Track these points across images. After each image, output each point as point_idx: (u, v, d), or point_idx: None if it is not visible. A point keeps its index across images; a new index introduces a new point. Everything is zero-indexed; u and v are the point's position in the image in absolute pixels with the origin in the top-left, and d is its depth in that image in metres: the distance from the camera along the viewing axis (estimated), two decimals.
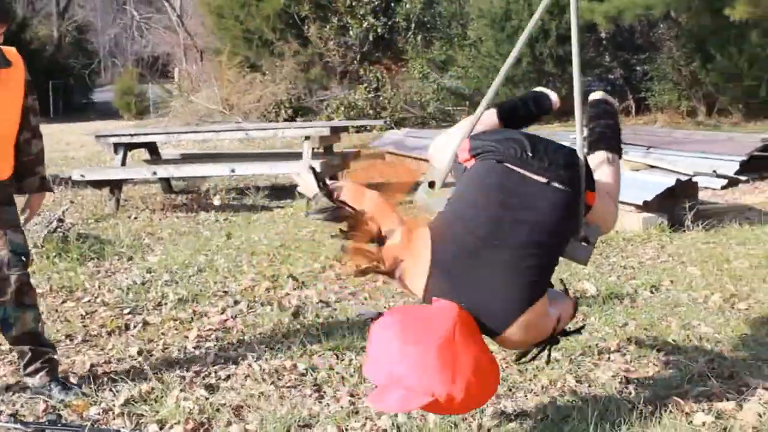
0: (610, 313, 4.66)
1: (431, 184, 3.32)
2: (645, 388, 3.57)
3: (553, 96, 3.66)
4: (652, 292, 5.11)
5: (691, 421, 3.18)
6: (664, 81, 19.07)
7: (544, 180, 2.98)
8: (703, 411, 3.28)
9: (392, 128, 16.45)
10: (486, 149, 3.11)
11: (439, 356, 2.63)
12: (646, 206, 6.94)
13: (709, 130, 14.88)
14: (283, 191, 9.51)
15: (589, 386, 3.61)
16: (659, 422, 3.17)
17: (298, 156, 9.21)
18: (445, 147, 3.35)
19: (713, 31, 17.34)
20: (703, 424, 3.16)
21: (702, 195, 8.23)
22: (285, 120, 19.25)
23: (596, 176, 3.29)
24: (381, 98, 19.62)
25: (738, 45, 17.27)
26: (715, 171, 9.31)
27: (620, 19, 14.80)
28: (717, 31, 17.13)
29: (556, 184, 2.98)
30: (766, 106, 17.58)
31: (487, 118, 3.38)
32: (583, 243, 3.19)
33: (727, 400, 3.38)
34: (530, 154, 3.01)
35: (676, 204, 7.01)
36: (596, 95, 3.82)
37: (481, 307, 2.83)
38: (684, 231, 6.80)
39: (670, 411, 3.26)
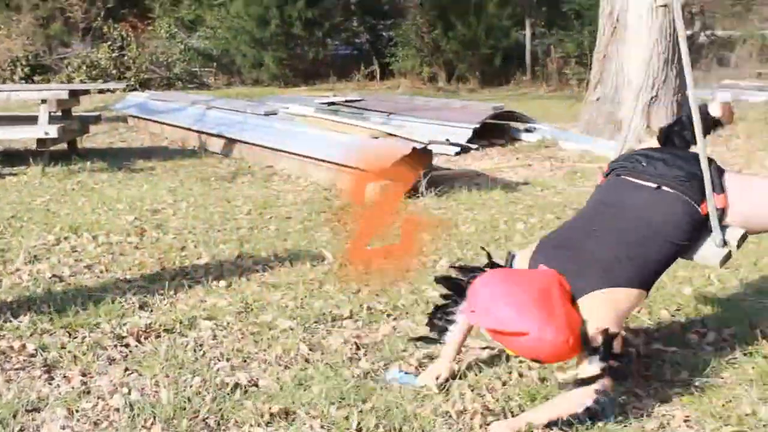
0: (345, 280, 4.83)
1: None
2: (374, 352, 3.76)
3: (714, 109, 3.60)
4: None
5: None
6: (407, 47, 19.73)
7: (654, 185, 3.31)
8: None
9: (136, 89, 15.99)
10: (612, 168, 3.51)
11: (537, 299, 2.91)
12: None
13: (448, 96, 15.58)
14: (17, 157, 9.02)
15: (322, 353, 3.74)
16: (386, 386, 3.36)
17: (33, 120, 8.78)
18: None
19: (455, 0, 18.15)
20: (426, 385, 3.39)
21: (438, 161, 8.66)
22: (21, 78, 18.22)
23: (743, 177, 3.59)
24: (126, 57, 18.98)
25: (477, 15, 18.17)
26: (447, 139, 9.77)
27: None
28: (458, 0, 17.94)
29: (665, 188, 3.29)
30: (499, 74, 18.64)
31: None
32: (723, 246, 3.30)
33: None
34: (645, 165, 3.38)
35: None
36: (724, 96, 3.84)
37: (569, 276, 3.12)
38: (418, 197, 7.13)
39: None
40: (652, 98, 9.90)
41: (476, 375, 3.46)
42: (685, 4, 10.66)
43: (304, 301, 4.47)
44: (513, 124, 10.59)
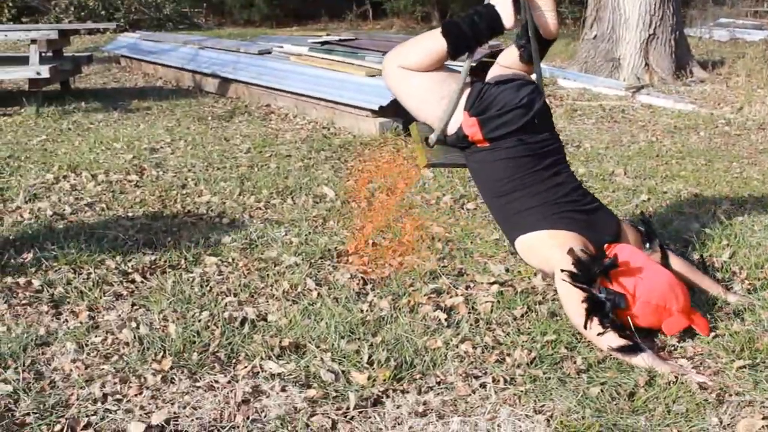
0: (349, 217, 4.80)
1: None
2: (381, 288, 3.74)
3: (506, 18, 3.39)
4: (388, 195, 5.31)
5: (424, 317, 3.38)
6: None
7: None
8: (434, 306, 3.49)
9: (126, 30, 15.76)
10: None
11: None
12: (381, 111, 7.15)
13: None
14: (9, 98, 8.91)
15: (329, 288, 3.72)
16: (395, 320, 3.35)
17: (24, 60, 8.66)
18: None
19: None
20: (436, 319, 3.37)
21: None
22: (9, 20, 17.93)
23: None
24: None
25: None
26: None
27: None
28: None
29: None
30: None
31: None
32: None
33: (457, 295, 3.61)
34: None
35: None
36: None
37: None
38: None
39: (403, 308, 3.45)
40: (649, 36, 9.80)
41: (488, 311, 3.46)
42: None
43: (308, 237, 4.44)
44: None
